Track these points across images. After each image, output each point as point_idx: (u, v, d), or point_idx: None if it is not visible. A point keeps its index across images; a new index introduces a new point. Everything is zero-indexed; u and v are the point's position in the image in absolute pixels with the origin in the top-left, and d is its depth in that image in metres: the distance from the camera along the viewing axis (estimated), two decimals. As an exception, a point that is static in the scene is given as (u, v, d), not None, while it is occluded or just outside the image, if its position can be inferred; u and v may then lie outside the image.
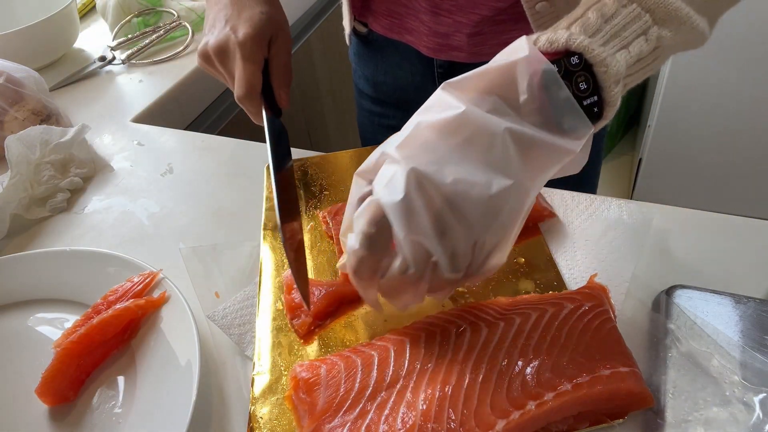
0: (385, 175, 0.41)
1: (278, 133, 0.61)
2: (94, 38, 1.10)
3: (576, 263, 0.54)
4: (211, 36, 0.61)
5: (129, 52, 1.00)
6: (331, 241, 0.58)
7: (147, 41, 1.01)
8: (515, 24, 0.66)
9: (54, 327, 0.57)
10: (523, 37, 0.43)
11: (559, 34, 0.42)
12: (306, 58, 1.31)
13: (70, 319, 0.57)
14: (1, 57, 0.85)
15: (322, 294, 0.51)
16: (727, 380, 0.44)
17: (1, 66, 0.80)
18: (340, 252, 0.54)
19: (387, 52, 0.79)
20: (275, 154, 0.59)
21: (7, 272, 0.59)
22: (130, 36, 1.03)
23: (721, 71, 1.57)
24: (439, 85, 0.75)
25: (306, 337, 0.50)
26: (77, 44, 1.06)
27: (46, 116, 0.81)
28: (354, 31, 0.80)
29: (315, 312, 0.51)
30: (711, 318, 0.48)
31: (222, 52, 0.60)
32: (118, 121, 0.86)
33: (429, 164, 0.39)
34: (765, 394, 0.43)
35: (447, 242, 0.40)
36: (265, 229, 0.60)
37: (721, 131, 1.68)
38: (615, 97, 0.42)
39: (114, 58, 1.00)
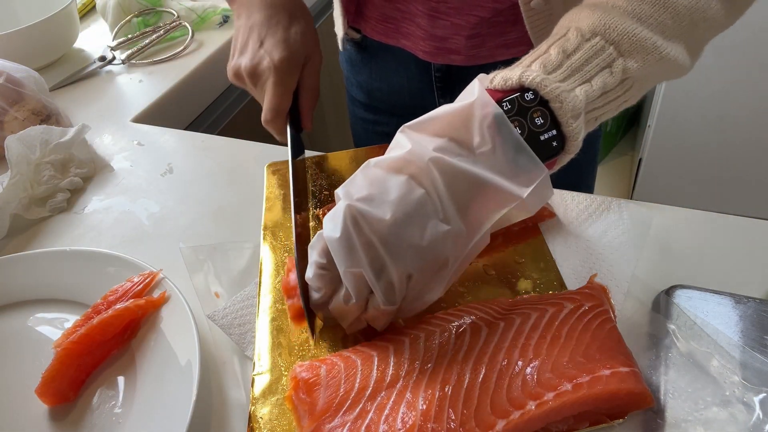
0: (333, 211, 0.43)
1: (298, 150, 0.64)
2: (94, 38, 1.10)
3: (576, 263, 0.54)
4: (244, 57, 0.61)
5: (129, 52, 1.00)
6: None
7: (147, 41, 1.01)
8: (513, 26, 0.65)
9: (54, 327, 0.57)
10: (476, 80, 0.44)
11: (513, 72, 0.43)
12: (306, 58, 1.31)
13: (70, 319, 0.57)
14: (1, 57, 0.85)
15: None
16: (727, 380, 0.44)
17: (1, 66, 0.80)
18: None
19: (381, 58, 0.78)
20: (294, 168, 0.61)
21: (7, 272, 0.59)
22: (130, 36, 1.03)
23: (722, 71, 1.57)
24: (437, 90, 0.76)
25: (295, 319, 0.51)
26: (77, 44, 1.06)
27: (46, 116, 0.81)
28: (346, 37, 0.79)
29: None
30: (711, 318, 0.48)
31: (255, 74, 0.60)
32: (118, 121, 0.86)
33: (369, 202, 0.41)
34: (765, 395, 0.43)
35: (383, 276, 0.42)
36: (264, 229, 0.60)
37: (721, 131, 1.68)
38: (575, 131, 0.43)
39: (114, 58, 1.00)
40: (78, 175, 0.74)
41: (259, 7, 0.62)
